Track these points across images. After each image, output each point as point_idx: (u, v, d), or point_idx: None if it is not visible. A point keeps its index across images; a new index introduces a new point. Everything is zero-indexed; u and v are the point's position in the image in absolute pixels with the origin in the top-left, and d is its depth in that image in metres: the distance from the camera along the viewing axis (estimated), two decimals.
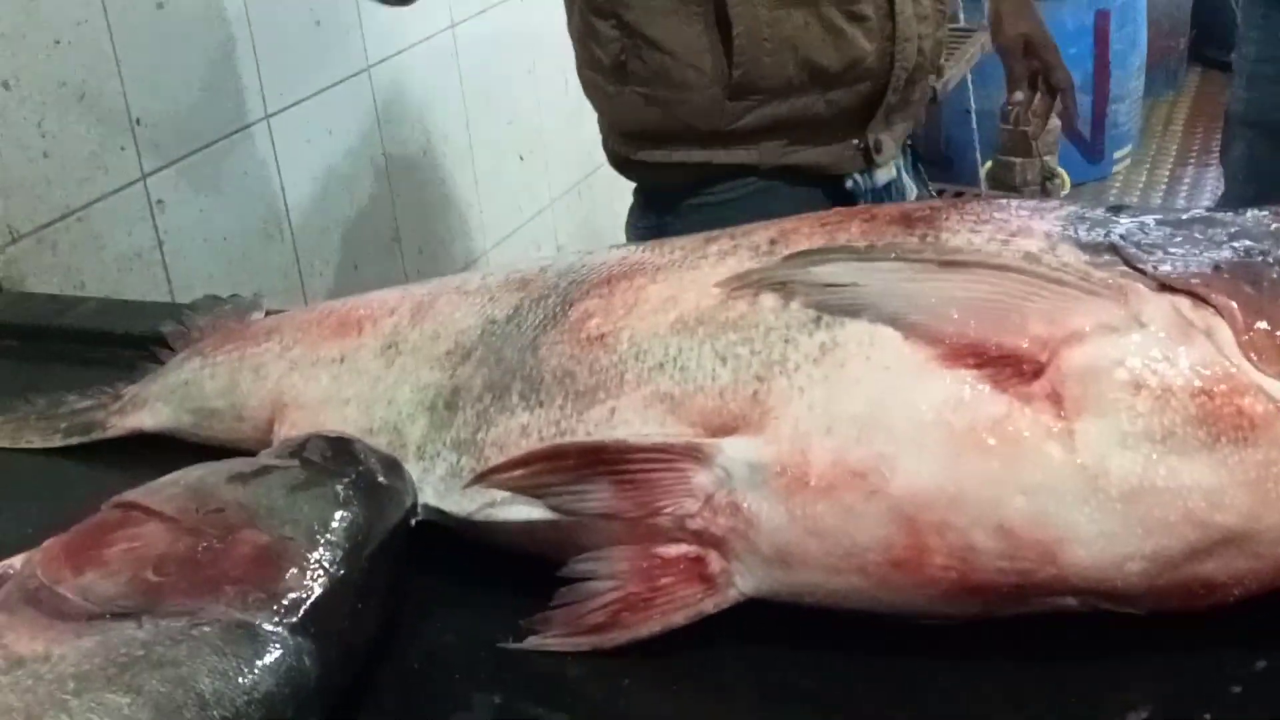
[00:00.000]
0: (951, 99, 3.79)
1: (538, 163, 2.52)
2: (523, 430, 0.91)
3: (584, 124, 2.71)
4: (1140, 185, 4.31)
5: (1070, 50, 4.02)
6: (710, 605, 0.84)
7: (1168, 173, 4.44)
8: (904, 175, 1.78)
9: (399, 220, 2.21)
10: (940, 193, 3.09)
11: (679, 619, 0.84)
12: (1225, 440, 0.75)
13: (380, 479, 0.87)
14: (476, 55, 2.33)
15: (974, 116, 3.78)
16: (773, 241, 0.93)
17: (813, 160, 1.65)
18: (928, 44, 1.65)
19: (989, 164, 3.71)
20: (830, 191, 1.70)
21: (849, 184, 1.71)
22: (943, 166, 3.97)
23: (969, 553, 0.78)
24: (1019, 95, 2.05)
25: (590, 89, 1.70)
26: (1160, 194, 4.23)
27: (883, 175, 1.72)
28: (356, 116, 2.08)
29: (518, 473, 0.87)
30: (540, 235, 2.58)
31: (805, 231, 0.93)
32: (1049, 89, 2.05)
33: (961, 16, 3.71)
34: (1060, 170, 3.72)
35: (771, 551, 0.82)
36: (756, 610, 0.84)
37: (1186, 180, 4.31)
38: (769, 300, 0.86)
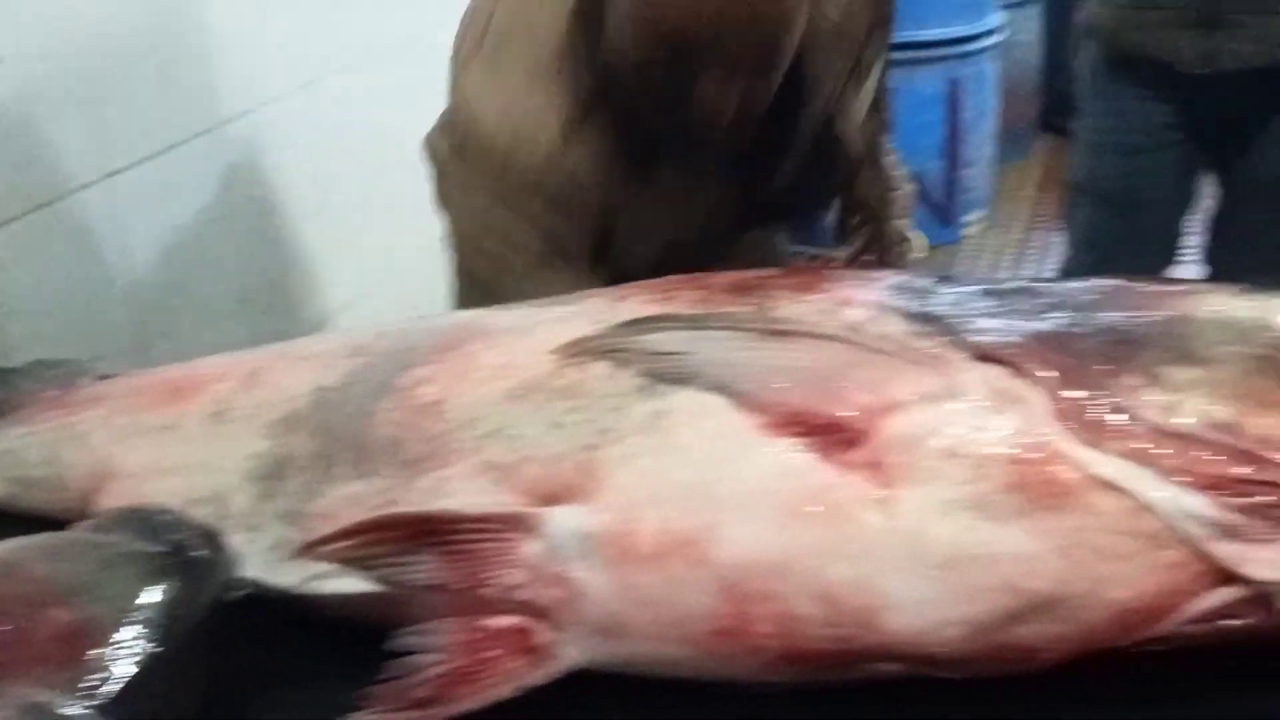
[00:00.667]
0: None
1: (394, 222, 2.50)
2: (351, 500, 0.89)
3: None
4: (991, 249, 4.42)
5: (924, 117, 4.14)
6: (538, 677, 0.83)
7: (1018, 237, 4.57)
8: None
9: (246, 281, 2.17)
10: (798, 254, 3.14)
11: (505, 691, 0.83)
12: (1037, 507, 0.77)
13: (196, 552, 0.85)
14: (331, 113, 2.30)
15: None
16: (609, 308, 0.93)
17: None
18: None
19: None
20: None
21: None
22: (798, 227, 4.03)
23: (792, 621, 0.79)
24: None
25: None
26: (1010, 258, 4.35)
27: None
28: (205, 175, 2.04)
29: (344, 544, 0.86)
30: (397, 296, 2.56)
31: (641, 298, 0.93)
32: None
33: None
34: (916, 234, 3.82)
35: (599, 622, 0.82)
36: (585, 680, 0.84)
37: (1035, 244, 4.44)
38: (601, 368, 0.86)
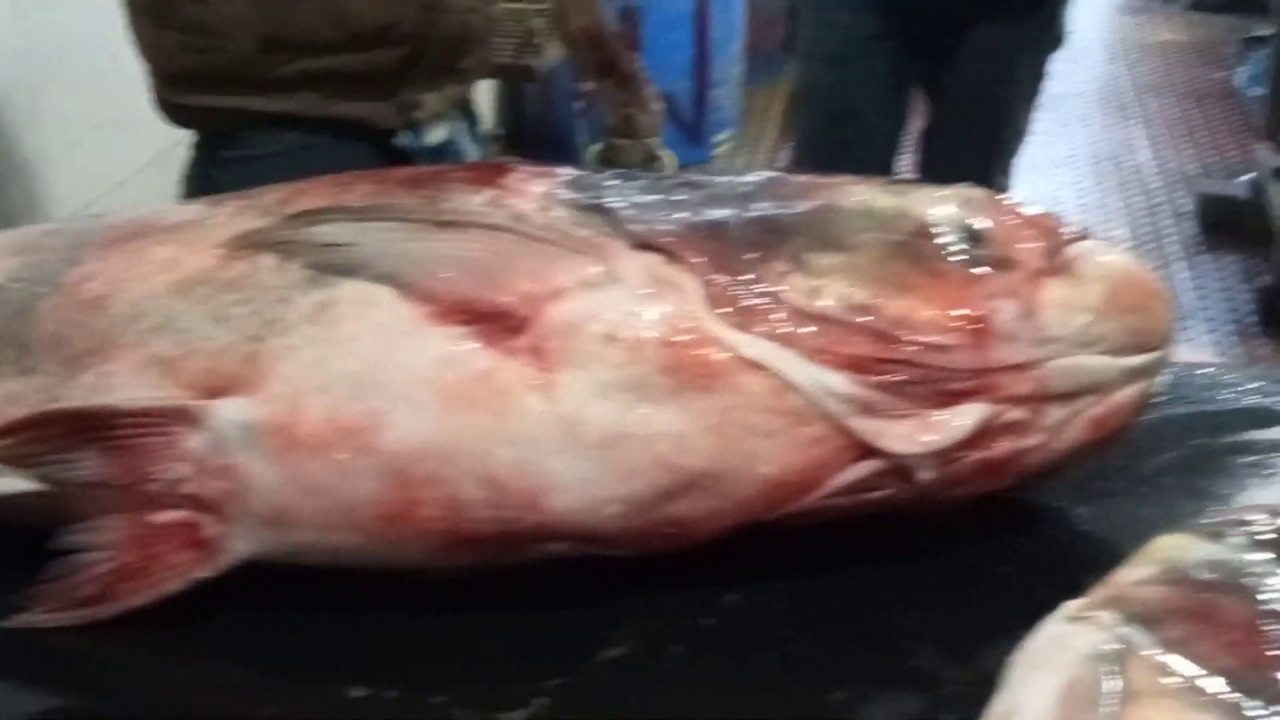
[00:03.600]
0: (559, 81, 3.85)
1: (115, 132, 2.40)
2: (9, 399, 0.86)
3: None
4: (739, 169, 4.53)
5: (672, 36, 4.18)
6: (206, 571, 0.83)
7: (766, 157, 4.68)
8: (462, 140, 1.85)
9: None
10: None
11: (174, 585, 0.82)
12: (690, 388, 0.80)
13: None
14: (40, 15, 2.19)
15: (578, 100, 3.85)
16: (282, 202, 0.92)
17: (350, 113, 1.67)
18: (475, 18, 1.72)
19: (599, 147, 3.80)
20: (379, 150, 1.73)
21: (399, 142, 1.75)
22: (553, 148, 4.04)
23: (457, 505, 0.80)
24: (588, 86, 2.14)
25: (133, 30, 1.68)
26: None
27: (434, 135, 1.77)
28: None
29: (2, 442, 0.83)
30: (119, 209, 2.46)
31: (315, 193, 0.92)
32: (619, 77, 2.13)
33: None
34: (665, 153, 3.86)
35: (267, 513, 0.82)
36: (258, 573, 0.84)
37: (782, 164, 4.56)
38: (268, 260, 0.85)
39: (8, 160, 2.18)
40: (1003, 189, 2.01)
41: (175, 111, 1.72)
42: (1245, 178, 4.25)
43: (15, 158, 2.20)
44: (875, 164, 2.26)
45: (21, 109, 2.19)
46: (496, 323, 0.81)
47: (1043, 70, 2.30)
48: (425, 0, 1.63)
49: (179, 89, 1.68)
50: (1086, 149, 4.66)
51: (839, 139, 2.19)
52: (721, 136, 4.58)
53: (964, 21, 2.10)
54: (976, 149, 2.17)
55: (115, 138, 2.40)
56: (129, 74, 2.33)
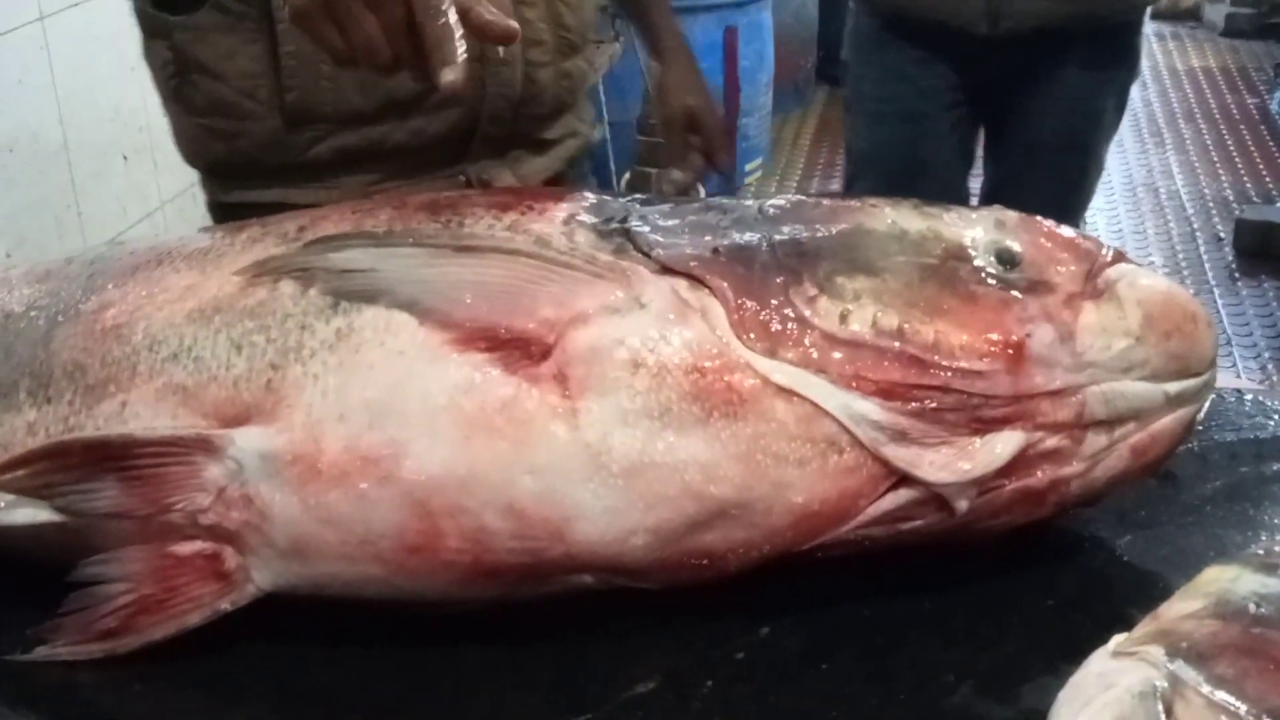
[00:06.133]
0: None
1: (145, 163, 2.41)
2: (29, 428, 0.85)
3: None
4: (770, 198, 4.52)
5: (700, 65, 4.17)
6: (227, 604, 0.81)
7: (795, 185, 4.66)
8: None
9: None
10: None
11: (195, 619, 0.81)
12: (717, 415, 0.78)
13: None
14: (71, 49, 2.20)
15: (608, 127, 3.85)
16: (301, 228, 0.91)
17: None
18: (546, 74, 1.39)
19: (626, 175, 3.79)
20: None
21: None
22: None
23: (481, 534, 0.78)
24: (677, 175, 1.73)
25: (171, 125, 1.45)
26: None
27: None
28: None
29: (20, 472, 0.82)
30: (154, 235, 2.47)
31: (334, 218, 0.91)
32: (711, 166, 1.77)
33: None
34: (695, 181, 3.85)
35: (287, 544, 0.80)
36: (275, 606, 0.82)
37: (813, 192, 4.55)
38: (288, 287, 0.84)
39: (39, 191, 2.19)
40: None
41: (220, 212, 1.43)
42: None
43: (47, 188, 2.21)
44: None
45: (53, 141, 2.20)
46: (518, 349, 0.79)
47: (1125, 101, 2.21)
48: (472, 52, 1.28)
49: (219, 185, 1.43)
50: (1121, 175, 4.62)
51: (909, 193, 2.08)
52: (751, 165, 4.57)
53: (1044, 66, 2.00)
54: (1061, 194, 2.08)
55: (145, 169, 2.41)
56: (158, 106, 2.34)
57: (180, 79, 1.35)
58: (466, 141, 1.37)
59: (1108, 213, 4.36)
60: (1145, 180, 4.70)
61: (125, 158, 2.38)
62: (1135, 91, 2.34)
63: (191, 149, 1.42)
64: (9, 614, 0.85)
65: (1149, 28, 6.22)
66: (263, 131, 1.34)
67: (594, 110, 1.62)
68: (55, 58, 2.18)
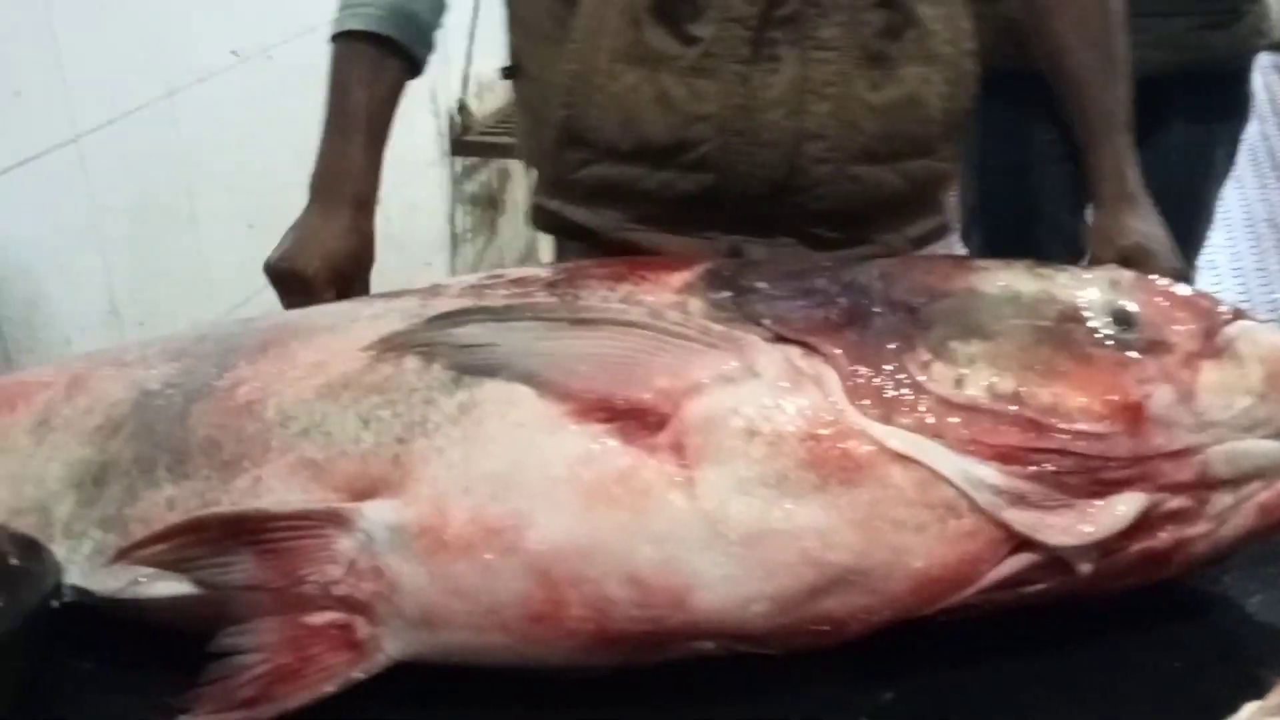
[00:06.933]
0: None
1: (269, 230, 2.48)
2: (168, 504, 0.89)
3: None
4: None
5: None
6: (359, 672, 0.83)
7: None
8: None
9: (115, 293, 2.14)
10: None
11: (329, 688, 0.83)
12: (834, 482, 0.79)
13: (14, 561, 0.84)
14: (196, 123, 2.28)
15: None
16: (423, 304, 0.93)
17: (651, 244, 1.34)
18: (819, 170, 1.27)
19: None
20: None
21: None
22: None
23: (604, 603, 0.80)
24: None
25: None
26: None
27: None
28: (64, 188, 2.01)
29: (160, 547, 0.86)
30: (275, 304, 2.54)
31: (455, 293, 0.94)
32: None
33: None
34: None
35: (416, 614, 0.82)
36: (407, 673, 0.84)
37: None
38: (412, 362, 0.87)
39: (168, 261, 2.26)
40: (1191, 279, 1.68)
41: (531, 212, 1.47)
42: None
43: (175, 258, 2.28)
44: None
45: (177, 209, 2.27)
46: (635, 419, 0.81)
47: (1236, 149, 2.17)
48: (730, 124, 1.25)
49: (535, 189, 1.45)
50: (1240, 211, 4.51)
51: (1025, 245, 2.07)
52: None
53: (1150, 117, 1.97)
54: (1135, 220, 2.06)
55: (269, 236, 2.48)
56: (279, 173, 2.41)
57: (516, 77, 1.43)
58: (716, 209, 1.31)
59: (1229, 250, 4.26)
60: (1267, 216, 4.58)
61: (250, 225, 2.45)
62: (1253, 126, 2.28)
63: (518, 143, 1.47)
64: (153, 683, 0.88)
65: (1265, 59, 6.09)
66: (547, 140, 1.35)
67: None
68: (182, 132, 2.26)
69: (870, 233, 1.34)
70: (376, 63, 1.34)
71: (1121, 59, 1.39)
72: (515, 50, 1.43)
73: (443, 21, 1.43)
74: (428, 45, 1.40)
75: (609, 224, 1.36)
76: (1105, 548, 0.80)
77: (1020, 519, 0.79)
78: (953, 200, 1.49)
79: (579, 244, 1.41)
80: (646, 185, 1.31)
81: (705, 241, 1.32)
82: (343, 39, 1.35)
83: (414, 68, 1.38)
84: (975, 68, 1.38)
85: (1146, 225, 1.38)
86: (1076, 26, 1.38)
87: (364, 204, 1.31)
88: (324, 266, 1.25)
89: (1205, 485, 0.81)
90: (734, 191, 1.29)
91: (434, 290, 0.95)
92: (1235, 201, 4.58)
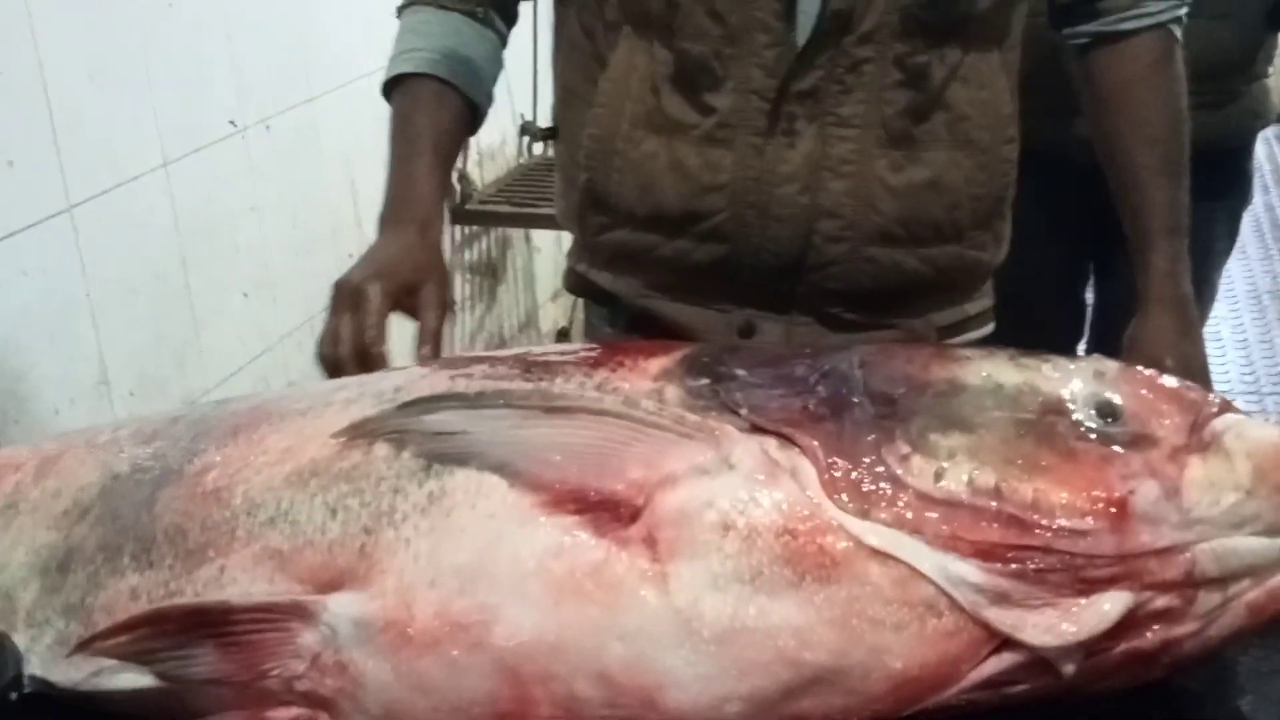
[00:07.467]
0: None
1: (264, 299, 2.48)
2: (132, 593, 0.87)
3: (314, 258, 2.68)
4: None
5: None
6: None
7: None
8: None
9: (106, 362, 2.13)
10: None
11: None
12: (810, 579, 0.76)
13: None
14: (192, 192, 2.28)
15: None
16: (397, 389, 0.92)
17: (667, 314, 1.33)
18: (834, 249, 1.26)
19: None
20: None
21: None
22: None
23: (573, 702, 0.77)
24: None
25: None
26: None
27: None
28: (55, 258, 2.00)
29: (122, 639, 0.84)
30: (269, 372, 2.53)
31: (428, 378, 0.92)
32: None
33: None
34: None
35: (380, 711, 0.80)
36: None
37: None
38: (382, 449, 0.85)
39: (162, 329, 2.25)
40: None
41: (564, 275, 1.48)
42: None
43: (169, 326, 2.27)
44: (1055, 342, 2.09)
45: (174, 279, 2.27)
46: (607, 511, 0.79)
47: (1237, 226, 2.14)
48: (743, 196, 1.24)
49: (569, 252, 1.45)
50: (1244, 282, 4.51)
51: (1020, 323, 2.04)
52: None
53: None
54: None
55: (264, 305, 2.47)
56: (275, 243, 2.40)
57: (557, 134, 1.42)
58: (730, 281, 1.29)
59: (1231, 321, 4.25)
60: (1270, 287, 4.57)
61: (245, 294, 2.44)
62: (1257, 196, 2.27)
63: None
64: None
65: (1269, 130, 6.12)
66: (572, 200, 1.36)
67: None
68: (178, 201, 2.25)
69: (891, 317, 1.31)
70: (438, 94, 1.32)
71: (1183, 160, 1.35)
72: (555, 112, 1.43)
73: (498, 75, 1.40)
74: (486, 95, 1.37)
75: (629, 291, 1.35)
76: (1090, 648, 0.78)
77: (1001, 618, 0.77)
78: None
79: (604, 309, 1.41)
80: (662, 253, 1.30)
81: (720, 314, 1.31)
82: (397, 84, 1.33)
83: (473, 111, 1.35)
84: (1014, 155, 1.35)
85: (1186, 343, 1.34)
86: (1140, 125, 1.34)
87: (428, 223, 1.26)
88: (381, 280, 1.17)
89: (1192, 584, 0.78)
90: (747, 264, 1.27)
91: (408, 374, 0.93)
92: (1239, 273, 4.58)
